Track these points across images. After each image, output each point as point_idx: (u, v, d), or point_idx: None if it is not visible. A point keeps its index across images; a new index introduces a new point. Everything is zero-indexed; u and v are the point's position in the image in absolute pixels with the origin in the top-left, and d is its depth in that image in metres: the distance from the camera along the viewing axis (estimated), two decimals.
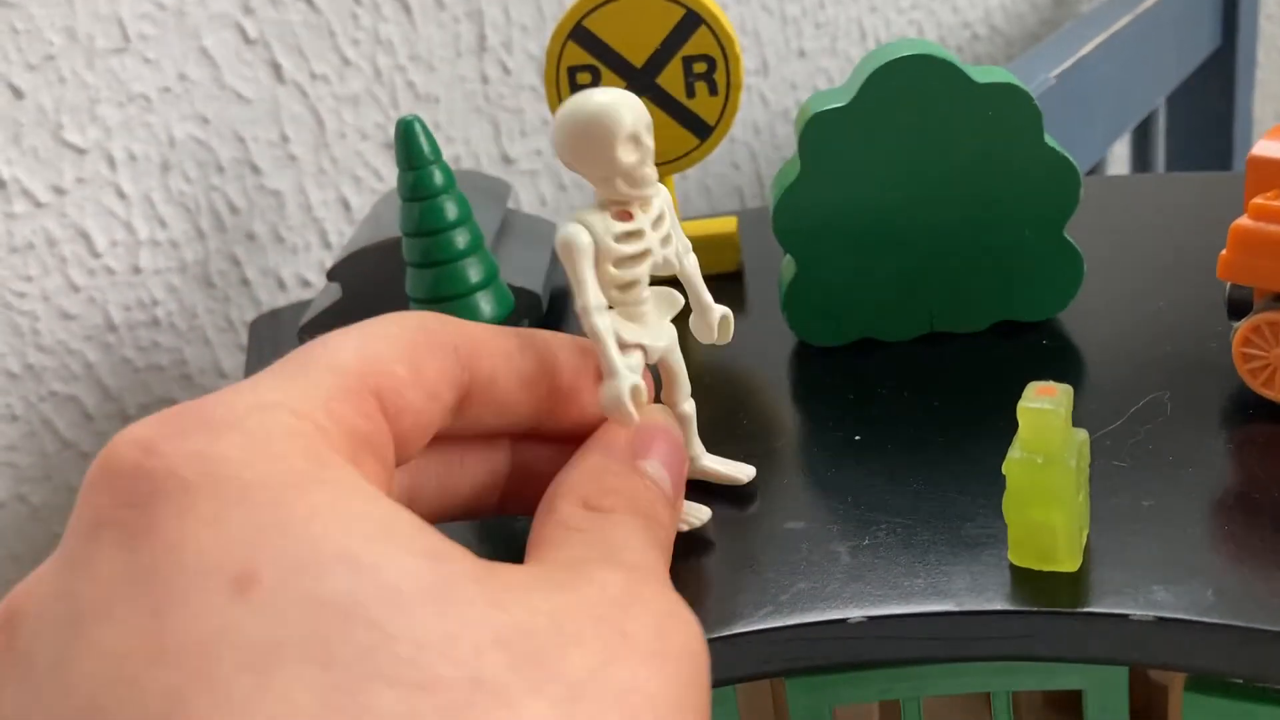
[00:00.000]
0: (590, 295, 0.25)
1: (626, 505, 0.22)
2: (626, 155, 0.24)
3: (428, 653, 0.15)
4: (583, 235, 0.24)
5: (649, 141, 0.25)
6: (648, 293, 0.26)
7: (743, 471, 0.31)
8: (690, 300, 0.29)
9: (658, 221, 0.26)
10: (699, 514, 0.29)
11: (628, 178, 0.25)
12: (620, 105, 0.24)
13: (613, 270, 0.25)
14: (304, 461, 0.17)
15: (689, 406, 0.28)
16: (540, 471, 0.26)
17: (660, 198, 0.26)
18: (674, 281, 0.28)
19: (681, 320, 0.28)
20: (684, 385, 0.28)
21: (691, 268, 0.28)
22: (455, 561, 0.17)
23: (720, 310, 0.29)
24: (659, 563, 0.21)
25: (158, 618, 0.15)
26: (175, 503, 0.16)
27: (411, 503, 0.24)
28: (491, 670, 0.16)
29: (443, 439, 0.26)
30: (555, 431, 0.26)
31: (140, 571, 0.16)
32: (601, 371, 0.25)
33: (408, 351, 0.21)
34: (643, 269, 0.26)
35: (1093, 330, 0.37)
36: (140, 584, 0.16)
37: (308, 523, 0.16)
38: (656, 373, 0.28)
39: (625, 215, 0.25)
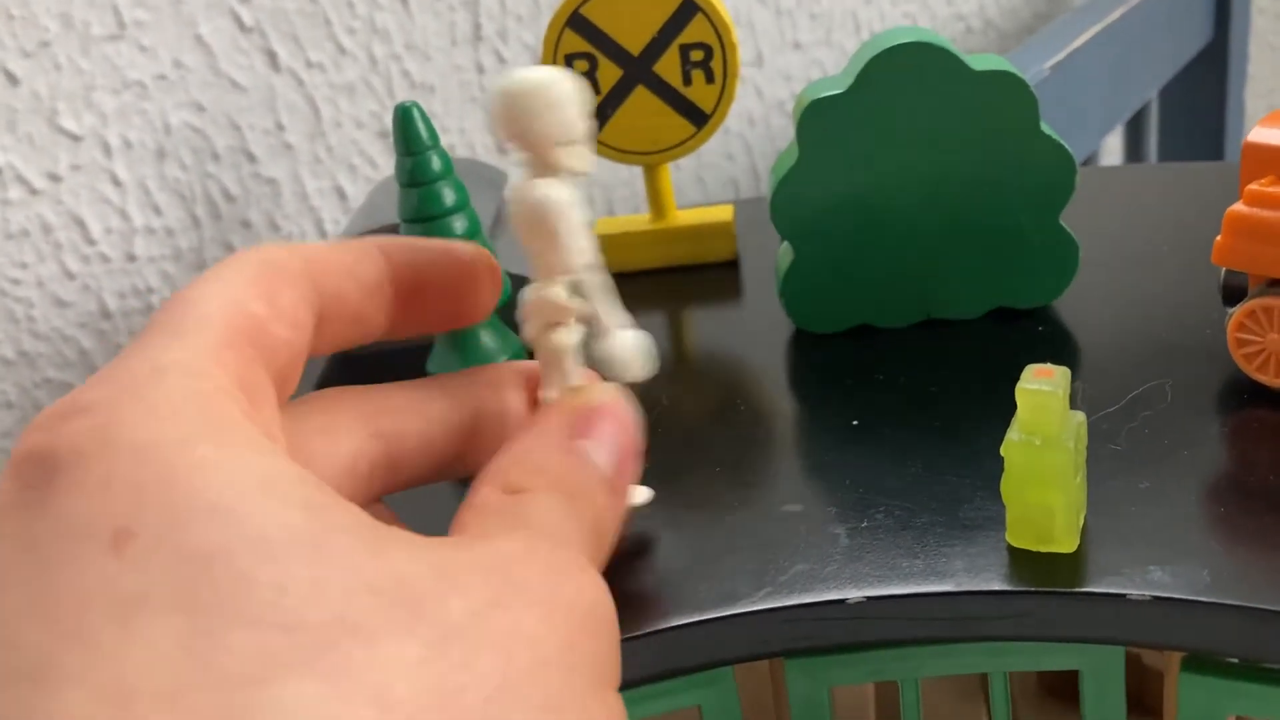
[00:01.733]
0: (589, 249, 0.23)
1: (550, 485, 0.21)
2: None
3: (290, 596, 0.16)
4: (564, 190, 0.23)
5: None
6: None
7: (636, 494, 0.28)
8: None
9: None
10: (637, 493, 0.28)
11: (583, 149, 0.24)
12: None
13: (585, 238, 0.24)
14: (199, 418, 0.18)
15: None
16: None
17: None
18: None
19: None
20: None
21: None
22: (337, 514, 0.17)
23: None
24: (578, 536, 0.21)
25: (40, 580, 0.16)
26: (71, 475, 0.17)
27: (394, 460, 0.24)
28: (358, 612, 0.16)
29: (403, 406, 0.25)
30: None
31: (31, 542, 0.16)
32: (599, 326, 0.24)
33: (261, 288, 0.21)
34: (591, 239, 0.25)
35: (1088, 316, 0.37)
36: (30, 552, 0.16)
37: (189, 477, 0.17)
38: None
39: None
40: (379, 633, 0.16)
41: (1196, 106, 0.95)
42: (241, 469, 0.17)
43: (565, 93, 0.23)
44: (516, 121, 0.23)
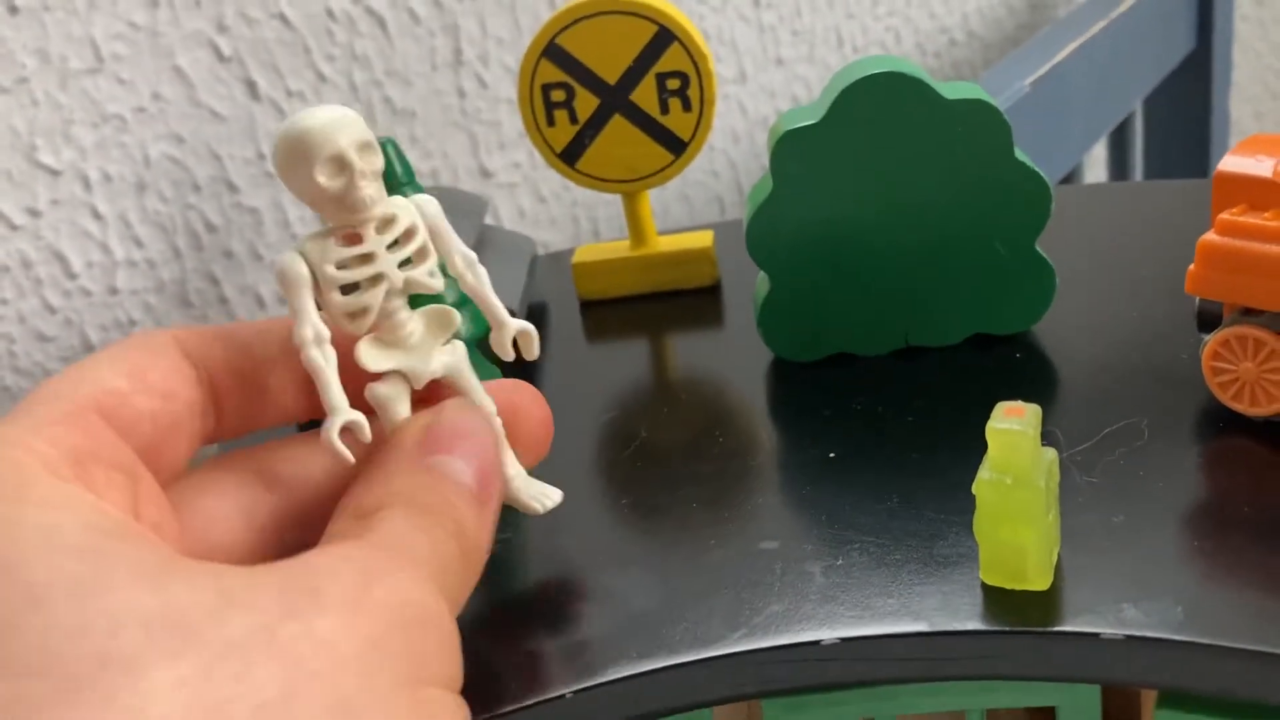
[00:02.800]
0: (306, 328, 0.23)
1: (404, 503, 0.21)
2: (328, 179, 0.23)
3: (54, 639, 0.16)
4: (297, 264, 0.23)
5: (361, 162, 0.23)
6: (408, 314, 0.25)
7: (548, 498, 0.27)
8: (485, 316, 0.27)
9: (400, 241, 0.24)
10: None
11: (337, 203, 0.23)
12: (319, 125, 0.23)
13: (339, 298, 0.24)
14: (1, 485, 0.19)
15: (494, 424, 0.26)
16: None
17: (409, 214, 0.25)
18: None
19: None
20: (480, 403, 0.26)
21: (476, 282, 0.26)
22: (120, 557, 0.18)
23: (517, 325, 0.26)
24: (425, 547, 0.21)
25: None
26: None
27: (301, 511, 0.25)
28: (124, 646, 0.16)
29: (299, 456, 0.25)
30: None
31: None
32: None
33: (129, 365, 0.23)
34: (375, 294, 0.24)
35: (1066, 343, 0.37)
36: None
37: None
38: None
39: (353, 238, 0.24)
40: (145, 662, 0.16)
41: (1181, 115, 0.95)
42: (25, 525, 0.18)
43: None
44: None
